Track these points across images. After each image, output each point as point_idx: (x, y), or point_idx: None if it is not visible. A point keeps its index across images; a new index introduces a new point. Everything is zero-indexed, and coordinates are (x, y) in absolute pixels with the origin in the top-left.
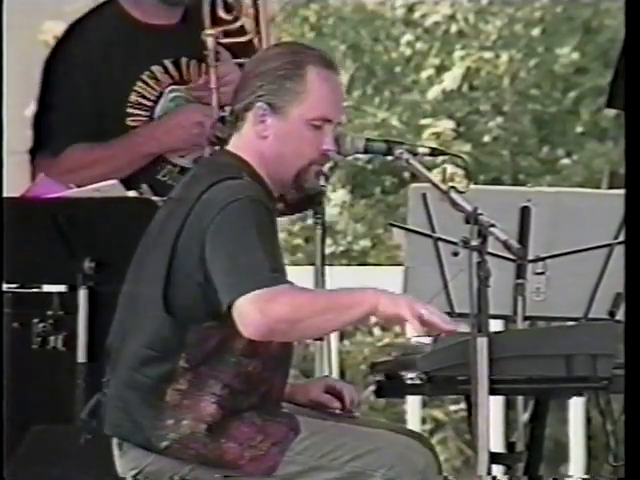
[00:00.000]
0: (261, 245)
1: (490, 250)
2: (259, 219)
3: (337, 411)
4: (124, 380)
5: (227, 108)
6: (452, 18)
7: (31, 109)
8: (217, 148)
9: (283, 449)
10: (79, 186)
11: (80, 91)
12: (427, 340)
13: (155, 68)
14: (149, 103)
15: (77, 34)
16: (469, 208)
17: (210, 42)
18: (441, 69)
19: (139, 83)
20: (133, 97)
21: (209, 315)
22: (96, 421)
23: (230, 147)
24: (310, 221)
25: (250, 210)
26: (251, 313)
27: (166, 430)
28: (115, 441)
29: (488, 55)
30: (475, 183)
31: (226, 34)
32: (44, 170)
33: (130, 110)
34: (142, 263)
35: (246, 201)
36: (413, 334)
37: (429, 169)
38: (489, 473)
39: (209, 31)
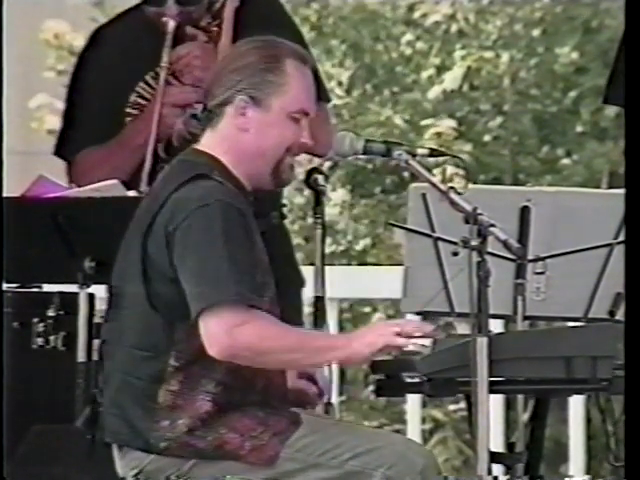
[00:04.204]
0: (228, 256)
1: (490, 250)
2: (228, 226)
3: (314, 396)
4: (117, 385)
5: (197, 105)
6: (452, 18)
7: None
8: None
9: (284, 439)
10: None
11: (93, 95)
12: (425, 342)
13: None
14: (144, 102)
15: (98, 41)
16: (469, 208)
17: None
18: (441, 69)
19: (141, 84)
20: (132, 97)
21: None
22: (95, 430)
23: (201, 146)
24: (310, 220)
25: (219, 217)
26: (219, 333)
27: (163, 431)
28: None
29: (488, 55)
30: (475, 183)
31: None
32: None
33: (129, 110)
34: (123, 260)
35: (215, 206)
36: (405, 348)
37: (429, 169)
38: (489, 473)
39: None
